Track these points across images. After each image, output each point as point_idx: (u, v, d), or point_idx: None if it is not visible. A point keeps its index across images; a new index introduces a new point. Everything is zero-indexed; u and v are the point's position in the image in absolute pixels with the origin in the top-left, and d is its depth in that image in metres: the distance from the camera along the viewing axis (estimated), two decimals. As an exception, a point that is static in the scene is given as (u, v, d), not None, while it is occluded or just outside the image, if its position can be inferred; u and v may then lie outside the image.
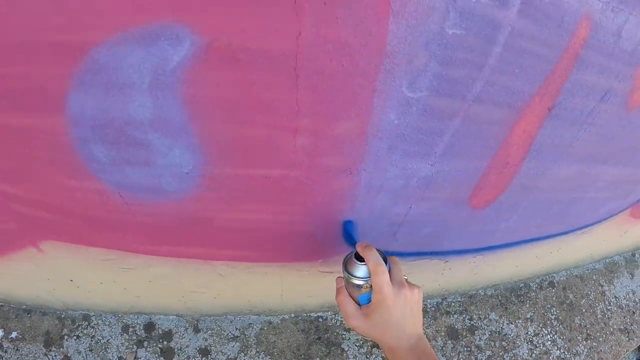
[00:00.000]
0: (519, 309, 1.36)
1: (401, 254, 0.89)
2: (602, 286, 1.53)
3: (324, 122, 0.51)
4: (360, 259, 0.60)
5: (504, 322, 1.33)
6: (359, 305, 0.61)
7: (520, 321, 1.34)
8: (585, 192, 0.92)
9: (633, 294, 1.63)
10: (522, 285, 1.36)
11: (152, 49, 0.43)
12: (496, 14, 0.46)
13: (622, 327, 1.54)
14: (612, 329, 1.51)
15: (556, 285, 1.43)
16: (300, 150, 0.55)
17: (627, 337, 1.52)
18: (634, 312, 1.61)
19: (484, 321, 1.31)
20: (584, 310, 1.44)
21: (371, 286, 0.58)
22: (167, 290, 1.01)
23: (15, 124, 0.52)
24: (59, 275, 0.97)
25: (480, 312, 1.33)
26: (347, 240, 0.76)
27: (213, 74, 0.44)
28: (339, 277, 0.64)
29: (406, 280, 0.61)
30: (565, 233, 1.10)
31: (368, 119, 0.51)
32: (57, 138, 0.54)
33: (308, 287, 1.00)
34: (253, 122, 0.50)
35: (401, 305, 0.57)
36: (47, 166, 0.59)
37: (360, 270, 0.59)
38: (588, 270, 1.54)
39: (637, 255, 1.71)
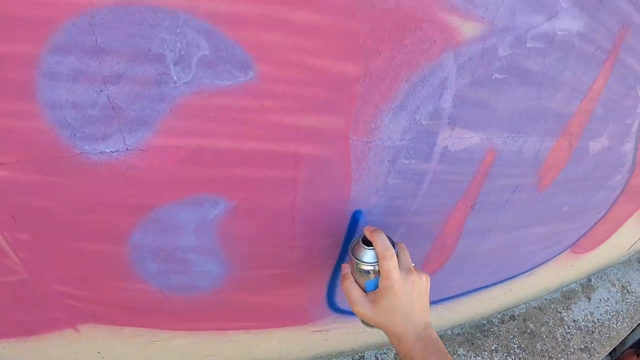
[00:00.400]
0: (484, 343, 1.56)
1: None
2: (560, 313, 1.76)
3: (312, 241, 0.74)
4: (367, 243, 0.59)
5: (471, 355, 1.53)
6: (365, 292, 0.59)
7: (486, 353, 1.54)
8: (518, 249, 1.17)
9: (591, 315, 1.86)
10: (485, 321, 1.58)
11: (198, 209, 0.65)
12: (422, 166, 0.71)
13: (582, 346, 1.75)
14: (572, 349, 1.72)
15: (517, 317, 1.66)
16: (296, 256, 0.77)
17: (588, 354, 1.73)
18: (593, 332, 1.83)
19: (454, 356, 1.51)
20: (544, 337, 1.65)
21: (378, 272, 0.57)
22: (185, 357, 1.18)
23: (85, 247, 0.73)
24: (88, 349, 1.12)
25: (449, 349, 1.53)
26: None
27: (238, 221, 0.67)
28: (345, 263, 0.64)
29: (414, 267, 0.59)
30: (512, 277, 1.35)
31: (342, 236, 0.74)
32: (118, 258, 0.74)
33: (302, 344, 1.19)
34: (265, 244, 0.73)
35: (409, 291, 0.56)
36: (105, 276, 0.78)
37: (368, 255, 0.58)
38: (546, 300, 1.77)
39: (592, 280, 1.96)
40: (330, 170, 0.64)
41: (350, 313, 0.98)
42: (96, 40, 0.46)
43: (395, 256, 0.56)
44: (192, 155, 0.58)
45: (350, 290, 0.59)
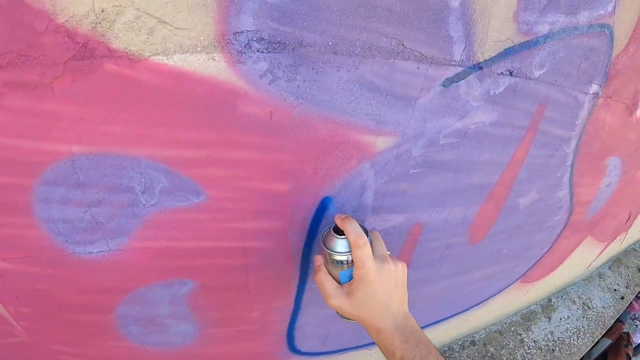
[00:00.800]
0: (447, 369, 1.71)
1: (328, 353, 1.23)
2: (520, 335, 1.90)
3: (267, 304, 0.89)
4: (339, 232, 0.57)
5: (436, 380, 1.67)
6: (339, 284, 0.57)
7: (448, 380, 1.69)
8: (463, 290, 1.33)
9: (551, 334, 2.00)
10: (446, 349, 1.71)
11: (170, 288, 0.80)
12: (363, 226, 0.86)
13: (542, 364, 1.89)
14: (533, 369, 1.86)
15: (477, 342, 1.79)
16: (256, 316, 0.92)
17: (549, 372, 1.88)
18: (553, 350, 1.97)
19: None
20: (504, 359, 1.80)
21: (352, 261, 0.54)
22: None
23: (77, 318, 0.87)
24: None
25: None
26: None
27: (204, 295, 0.82)
28: (317, 255, 0.62)
29: (389, 255, 0.57)
30: (464, 311, 1.50)
31: (292, 298, 0.90)
32: (106, 324, 0.89)
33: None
34: (227, 309, 0.88)
35: (385, 280, 0.53)
36: (95, 337, 0.93)
37: (340, 245, 0.55)
38: (506, 323, 1.91)
39: (553, 300, 2.11)
40: (274, 255, 0.79)
41: (312, 354, 1.13)
42: (78, 178, 0.62)
43: (369, 244, 0.54)
44: (161, 252, 0.73)
45: (324, 283, 0.56)
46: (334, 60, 0.58)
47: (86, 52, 0.51)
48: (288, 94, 0.58)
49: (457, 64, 0.69)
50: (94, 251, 0.71)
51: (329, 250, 0.56)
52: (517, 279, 1.57)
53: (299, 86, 0.58)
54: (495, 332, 1.84)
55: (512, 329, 1.89)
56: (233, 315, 0.90)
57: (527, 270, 1.57)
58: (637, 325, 2.34)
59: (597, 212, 1.66)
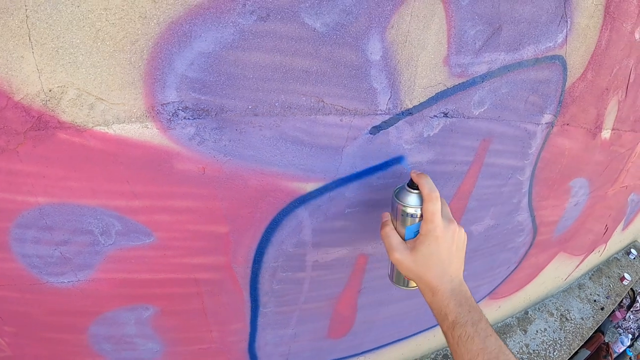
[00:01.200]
0: (419, 381, 1.77)
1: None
2: (495, 347, 1.95)
3: (224, 326, 0.98)
4: (413, 187, 0.58)
5: (409, 391, 1.73)
6: (404, 240, 0.58)
7: (420, 393, 1.74)
8: (426, 308, 1.39)
9: (527, 346, 2.03)
10: (419, 362, 1.78)
11: (134, 312, 0.90)
12: (299, 275, 0.94)
13: (518, 377, 1.93)
14: (509, 381, 1.91)
15: (449, 356, 1.85)
16: (215, 336, 1.01)
17: (523, 384, 1.92)
18: (528, 363, 2.01)
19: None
20: (479, 371, 1.84)
21: (421, 216, 0.56)
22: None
23: (54, 336, 0.98)
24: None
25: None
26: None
27: (165, 318, 0.92)
28: (385, 211, 0.64)
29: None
30: (430, 328, 1.56)
31: (247, 322, 0.98)
32: (80, 342, 0.99)
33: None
34: (188, 330, 0.97)
35: (449, 239, 0.54)
36: (70, 353, 1.03)
37: (413, 198, 0.57)
38: (481, 336, 1.96)
39: (529, 312, 2.14)
40: (224, 285, 0.88)
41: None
42: (46, 222, 0.71)
43: (440, 200, 0.55)
44: (123, 282, 0.83)
45: (390, 236, 0.58)
46: (256, 121, 0.66)
47: (41, 124, 0.60)
48: (216, 152, 0.67)
49: (383, 112, 0.76)
50: (65, 281, 0.81)
51: (401, 202, 0.58)
52: (484, 297, 1.63)
53: (225, 145, 0.67)
54: (470, 345, 1.88)
55: (488, 342, 1.93)
56: (194, 336, 0.99)
57: (494, 288, 1.62)
58: (620, 334, 2.35)
59: (567, 229, 1.70)
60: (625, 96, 1.43)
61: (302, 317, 1.05)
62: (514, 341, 1.96)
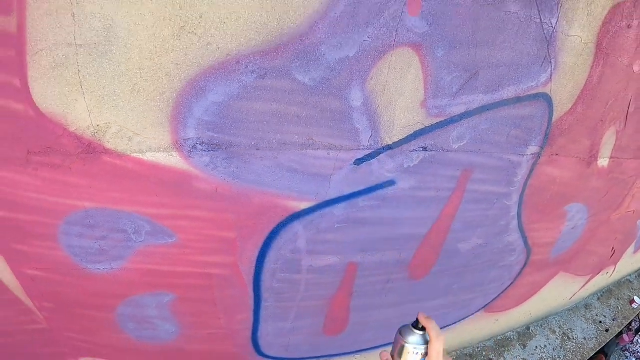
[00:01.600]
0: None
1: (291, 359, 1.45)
2: (491, 359, 2.02)
3: (231, 315, 1.15)
4: (417, 328, 0.65)
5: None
6: None
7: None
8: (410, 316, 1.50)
9: None
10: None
11: (156, 297, 1.08)
12: (295, 276, 1.09)
13: (509, 390, 1.98)
14: (501, 394, 1.96)
15: None
16: (223, 323, 1.18)
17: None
18: (523, 377, 2.05)
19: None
20: (472, 381, 1.93)
21: (424, 354, 0.63)
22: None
23: (88, 313, 1.18)
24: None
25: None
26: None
27: (181, 304, 1.10)
28: (384, 351, 0.70)
29: None
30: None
31: (250, 312, 1.15)
32: (109, 320, 1.19)
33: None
34: (200, 315, 1.15)
35: None
36: (100, 329, 1.23)
37: (418, 338, 0.64)
38: (478, 348, 2.03)
39: (531, 328, 2.18)
40: (232, 280, 1.05)
41: (278, 359, 1.38)
42: (89, 222, 0.91)
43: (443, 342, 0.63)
44: (149, 272, 1.01)
45: None
46: (257, 154, 0.82)
47: (90, 149, 0.79)
48: (226, 176, 0.83)
49: (365, 147, 0.90)
50: (101, 268, 1.00)
51: (407, 341, 0.65)
52: (478, 309, 1.71)
53: (233, 171, 0.83)
54: (466, 354, 1.97)
55: (484, 353, 2.01)
56: (205, 321, 1.17)
57: (489, 302, 1.70)
58: (626, 357, 2.32)
59: (566, 250, 1.75)
60: (625, 126, 1.47)
61: (299, 313, 1.21)
62: (511, 355, 2.02)
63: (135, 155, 0.79)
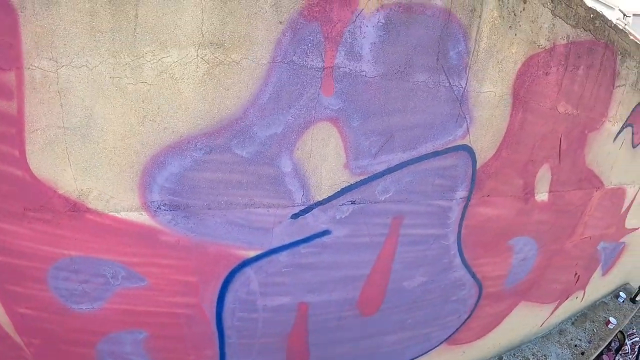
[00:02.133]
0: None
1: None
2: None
3: (200, 350, 1.29)
4: None
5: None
6: None
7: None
8: (380, 349, 1.62)
9: None
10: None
11: (132, 334, 1.24)
12: (252, 315, 1.25)
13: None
14: None
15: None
16: (192, 357, 1.32)
17: None
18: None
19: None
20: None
21: None
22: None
23: (70, 349, 1.33)
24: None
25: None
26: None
27: (154, 341, 1.25)
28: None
29: None
30: (390, 365, 1.77)
31: (216, 348, 1.29)
32: (89, 354, 1.33)
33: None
34: (172, 351, 1.29)
35: None
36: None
37: None
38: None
39: (504, 358, 2.23)
40: (197, 319, 1.21)
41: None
42: (74, 267, 1.09)
43: None
44: (125, 312, 1.18)
45: None
46: (210, 212, 1.02)
47: (75, 208, 0.99)
48: (186, 230, 1.03)
49: (299, 204, 1.09)
50: (84, 308, 1.17)
51: None
52: (440, 342, 1.82)
53: (191, 227, 1.02)
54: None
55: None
56: (176, 356, 1.31)
57: (450, 335, 1.81)
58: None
59: (521, 281, 1.87)
60: (560, 162, 1.63)
61: (261, 349, 1.34)
62: (482, 386, 2.08)
63: (112, 213, 0.99)
